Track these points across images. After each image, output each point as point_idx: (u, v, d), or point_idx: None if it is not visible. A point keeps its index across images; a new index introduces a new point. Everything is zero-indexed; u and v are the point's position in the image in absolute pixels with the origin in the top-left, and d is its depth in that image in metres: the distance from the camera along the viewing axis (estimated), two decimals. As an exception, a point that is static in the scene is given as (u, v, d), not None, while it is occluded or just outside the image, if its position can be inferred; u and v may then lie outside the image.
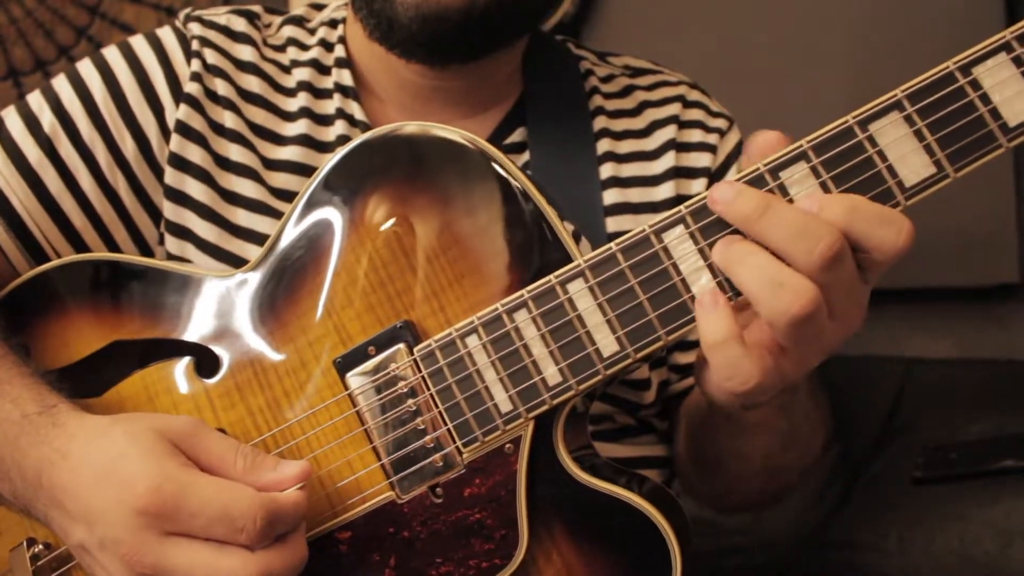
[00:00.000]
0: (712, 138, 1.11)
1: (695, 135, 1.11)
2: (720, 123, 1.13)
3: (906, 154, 0.75)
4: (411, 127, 0.86)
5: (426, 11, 0.95)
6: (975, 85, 0.74)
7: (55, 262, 0.95)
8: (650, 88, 1.15)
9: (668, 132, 1.10)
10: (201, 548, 0.75)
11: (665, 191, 1.08)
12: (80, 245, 1.01)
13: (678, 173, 1.09)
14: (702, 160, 1.10)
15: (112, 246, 1.03)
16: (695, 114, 1.13)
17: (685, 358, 1.09)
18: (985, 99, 0.74)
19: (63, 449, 0.80)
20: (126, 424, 0.80)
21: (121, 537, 0.75)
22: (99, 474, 0.77)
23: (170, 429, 0.79)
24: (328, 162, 0.87)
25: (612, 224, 1.06)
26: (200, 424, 0.81)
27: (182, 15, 1.09)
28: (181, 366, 0.90)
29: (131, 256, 0.98)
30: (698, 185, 1.09)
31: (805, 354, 0.76)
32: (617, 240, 0.79)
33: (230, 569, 0.74)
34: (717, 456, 1.02)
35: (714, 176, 1.10)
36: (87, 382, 0.91)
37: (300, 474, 0.79)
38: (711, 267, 0.77)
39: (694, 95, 1.16)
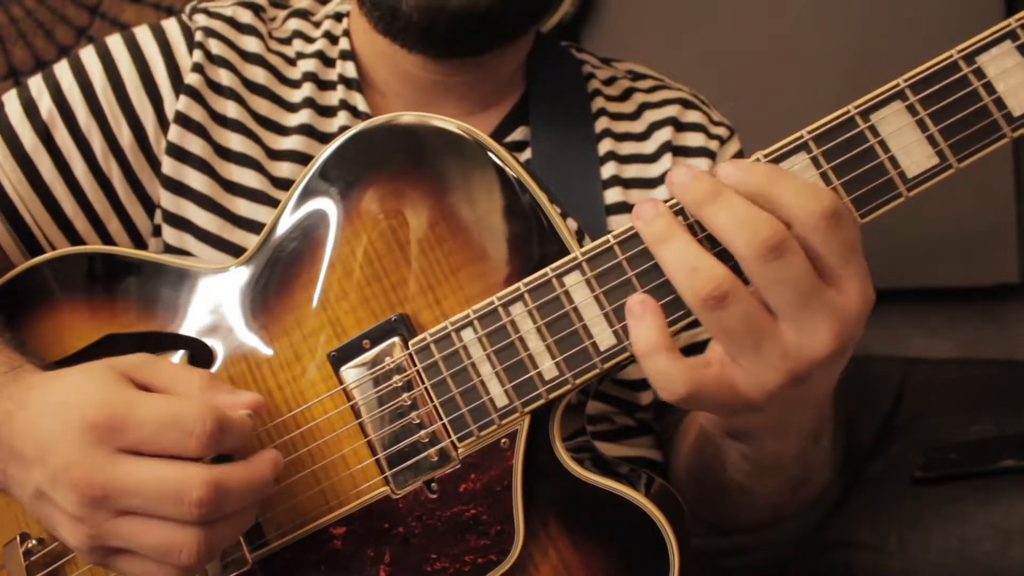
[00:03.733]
0: (713, 144, 1.12)
1: (696, 139, 1.11)
2: (721, 131, 1.14)
3: (908, 144, 0.74)
4: (407, 117, 0.85)
5: (426, 4, 0.96)
6: (979, 74, 0.73)
7: (48, 255, 0.95)
8: (650, 91, 1.16)
9: (665, 134, 1.10)
10: (152, 462, 0.73)
11: (662, 193, 1.08)
12: (72, 234, 1.01)
13: None
14: (701, 166, 1.10)
15: (104, 235, 1.02)
16: (695, 117, 1.13)
17: None
18: (989, 88, 0.73)
19: (21, 399, 0.79)
20: (80, 366, 0.80)
21: (71, 460, 0.73)
22: (52, 410, 0.76)
23: (120, 362, 0.79)
24: (323, 152, 0.87)
25: (613, 223, 1.06)
26: (151, 356, 0.80)
27: (188, 7, 1.10)
28: (175, 360, 0.89)
29: (124, 249, 0.97)
30: None
31: (756, 365, 0.71)
32: (615, 232, 0.78)
33: (181, 478, 0.72)
34: (724, 488, 0.98)
35: None
36: (80, 376, 0.90)
37: (252, 400, 0.79)
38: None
39: (695, 100, 1.16)
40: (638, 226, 0.75)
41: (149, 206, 1.02)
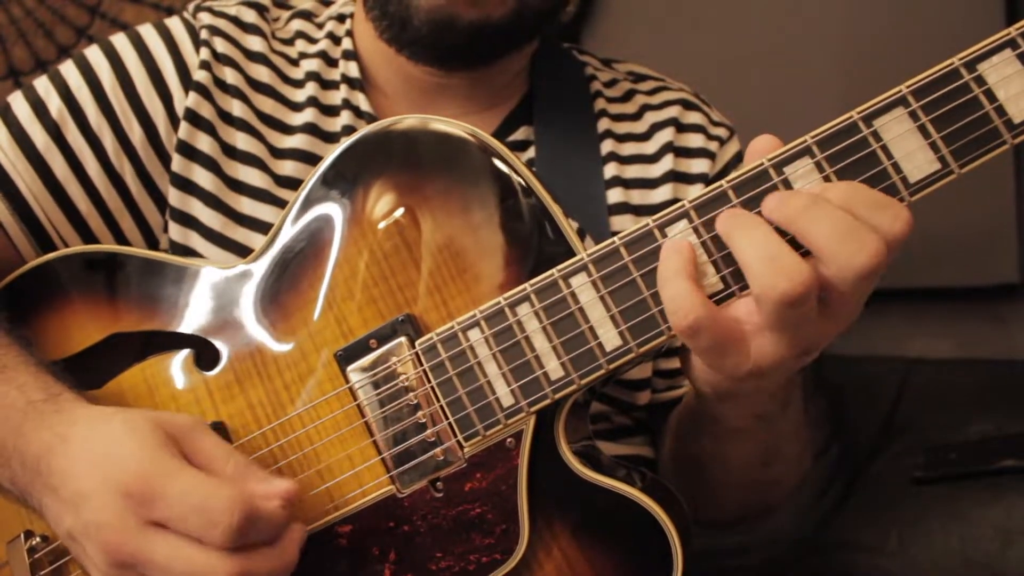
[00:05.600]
0: (712, 145, 1.12)
1: (695, 140, 1.12)
2: (721, 131, 1.14)
3: (911, 150, 0.74)
4: (413, 120, 0.86)
5: (437, 19, 0.96)
6: (980, 81, 0.74)
7: (56, 253, 0.95)
8: (651, 92, 1.16)
9: (666, 135, 1.11)
10: (180, 541, 0.74)
11: (663, 194, 1.08)
12: (85, 231, 1.01)
13: (676, 177, 1.09)
14: (700, 166, 1.11)
15: (117, 233, 1.02)
16: (695, 118, 1.13)
17: (668, 364, 1.09)
18: (990, 95, 0.74)
19: (64, 434, 0.80)
20: (126, 414, 0.80)
21: (104, 520, 0.75)
22: (94, 459, 0.77)
23: (168, 423, 0.79)
24: (331, 154, 0.87)
25: (615, 223, 1.06)
26: (199, 422, 0.81)
27: (191, 6, 1.10)
28: (180, 358, 0.90)
29: (132, 248, 0.98)
30: (695, 191, 1.09)
31: (783, 341, 0.75)
32: (621, 234, 0.79)
33: (207, 565, 0.74)
34: (699, 459, 1.01)
35: (710, 183, 1.10)
36: (87, 374, 0.90)
37: (286, 491, 0.77)
38: (715, 263, 0.77)
39: (696, 101, 1.16)
40: (722, 220, 0.76)
41: (161, 203, 1.03)
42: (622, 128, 1.12)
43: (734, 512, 1.11)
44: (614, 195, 1.07)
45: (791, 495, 1.11)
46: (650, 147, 1.11)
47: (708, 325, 0.73)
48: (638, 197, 1.08)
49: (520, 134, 1.10)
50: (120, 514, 0.75)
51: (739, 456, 0.98)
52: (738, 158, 1.14)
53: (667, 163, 1.09)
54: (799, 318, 0.72)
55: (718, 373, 0.78)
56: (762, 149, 0.77)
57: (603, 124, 1.11)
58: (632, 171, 1.09)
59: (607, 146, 1.09)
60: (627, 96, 1.15)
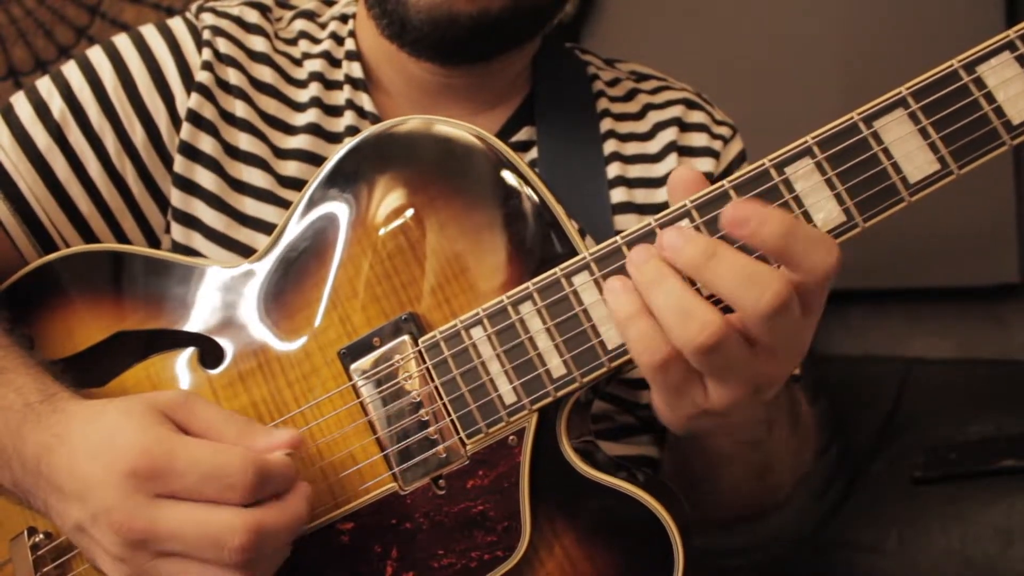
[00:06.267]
0: (716, 144, 1.12)
1: (699, 139, 1.12)
2: (724, 130, 1.14)
3: (910, 151, 0.75)
4: (417, 121, 0.86)
5: (437, 15, 0.96)
6: (979, 83, 0.74)
7: (59, 253, 0.95)
8: (654, 92, 1.16)
9: (669, 134, 1.11)
10: (192, 507, 0.75)
11: (666, 193, 1.08)
12: (87, 232, 1.02)
13: None
14: (705, 165, 1.11)
15: (119, 234, 1.03)
16: (699, 117, 1.14)
17: None
18: (989, 97, 0.74)
19: (62, 434, 0.80)
20: (120, 402, 0.81)
21: (112, 504, 0.75)
22: (93, 450, 0.77)
23: (160, 400, 0.80)
24: (335, 154, 0.88)
25: (619, 222, 1.06)
26: (191, 394, 0.82)
27: (194, 6, 1.10)
28: (184, 357, 0.90)
29: (135, 247, 0.98)
30: None
31: (726, 385, 0.75)
32: (623, 233, 0.79)
33: (221, 525, 0.74)
34: (692, 480, 1.00)
35: (714, 183, 1.11)
36: (91, 372, 0.91)
37: (291, 440, 0.80)
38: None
39: (698, 101, 1.17)
40: (630, 271, 0.75)
41: (163, 204, 1.03)
42: (625, 128, 1.12)
43: (732, 516, 1.11)
44: (617, 195, 1.07)
45: (791, 496, 1.12)
46: (653, 146, 1.11)
47: (675, 361, 0.74)
48: (642, 196, 1.08)
49: (523, 134, 1.10)
50: (127, 494, 0.75)
51: (733, 476, 0.99)
52: (741, 156, 1.15)
53: (671, 162, 1.10)
54: (727, 362, 0.72)
55: (677, 413, 0.78)
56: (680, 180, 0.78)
57: (606, 124, 1.11)
58: (636, 170, 1.09)
59: (610, 146, 1.10)
60: (630, 96, 1.15)
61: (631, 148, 1.11)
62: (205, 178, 1.01)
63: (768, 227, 0.70)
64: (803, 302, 0.72)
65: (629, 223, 1.06)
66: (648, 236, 0.78)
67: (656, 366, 0.73)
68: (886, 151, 0.75)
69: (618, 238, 0.79)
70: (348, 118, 1.06)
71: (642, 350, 0.73)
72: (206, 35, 1.04)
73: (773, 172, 0.76)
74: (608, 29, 1.97)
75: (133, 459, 0.75)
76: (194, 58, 1.03)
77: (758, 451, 0.95)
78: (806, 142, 0.76)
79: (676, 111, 1.13)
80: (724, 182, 0.78)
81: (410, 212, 0.85)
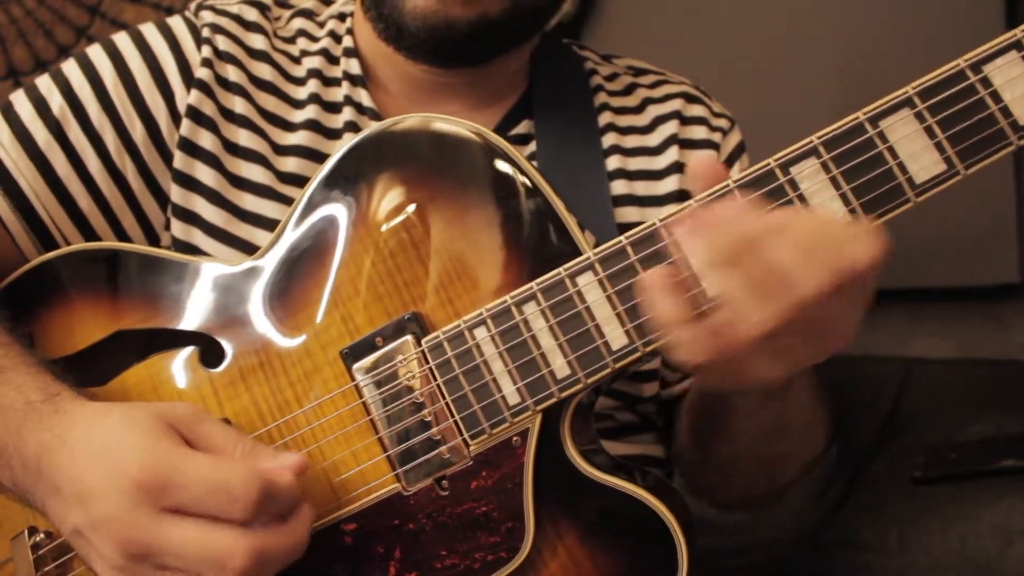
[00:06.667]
0: (716, 136, 1.13)
1: (699, 131, 1.12)
2: (722, 122, 1.15)
3: (916, 151, 0.75)
4: (415, 120, 0.86)
5: (434, 22, 0.97)
6: (985, 83, 0.74)
7: (59, 251, 0.95)
8: (652, 86, 1.17)
9: (670, 127, 1.12)
10: (194, 523, 0.75)
11: (669, 185, 1.09)
12: (87, 229, 1.02)
13: (681, 169, 1.10)
14: (705, 158, 1.11)
15: (119, 231, 1.03)
16: (698, 110, 1.14)
17: None
18: (996, 97, 0.74)
19: (63, 435, 0.80)
20: (125, 408, 0.80)
21: (114, 514, 0.75)
22: (96, 455, 0.77)
23: (169, 414, 0.79)
24: (336, 153, 0.88)
25: (619, 215, 1.06)
26: (200, 411, 0.81)
27: (193, 5, 1.10)
28: (185, 355, 0.90)
29: (136, 245, 0.98)
30: None
31: (773, 362, 0.76)
32: (627, 233, 0.79)
33: (223, 545, 0.74)
34: (710, 437, 1.02)
35: None
36: (91, 371, 0.91)
37: (297, 464, 0.79)
38: None
39: (696, 94, 1.17)
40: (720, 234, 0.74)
41: (163, 200, 1.03)
42: (624, 121, 1.12)
43: (747, 491, 1.11)
44: (618, 187, 1.08)
45: (793, 483, 1.12)
46: (653, 139, 1.11)
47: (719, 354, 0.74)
48: (643, 188, 1.08)
49: (521, 128, 1.10)
50: (131, 506, 0.75)
51: (746, 433, 0.98)
52: (740, 147, 1.15)
53: (672, 155, 1.10)
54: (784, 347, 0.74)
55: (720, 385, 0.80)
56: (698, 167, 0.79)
57: (605, 118, 1.11)
58: (636, 163, 1.10)
59: (610, 139, 1.10)
60: (628, 90, 1.15)
61: (631, 141, 1.11)
62: (205, 174, 1.01)
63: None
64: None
65: (630, 215, 1.06)
66: (652, 236, 0.78)
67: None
68: (892, 151, 0.75)
69: (622, 238, 0.79)
70: (347, 114, 1.06)
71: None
72: (205, 32, 1.04)
73: (778, 172, 0.76)
74: (608, 29, 1.97)
75: (138, 470, 0.75)
76: (194, 55, 1.03)
77: (769, 408, 0.94)
78: (811, 142, 0.76)
79: (676, 104, 1.13)
80: (729, 181, 0.77)
81: (411, 209, 0.85)
